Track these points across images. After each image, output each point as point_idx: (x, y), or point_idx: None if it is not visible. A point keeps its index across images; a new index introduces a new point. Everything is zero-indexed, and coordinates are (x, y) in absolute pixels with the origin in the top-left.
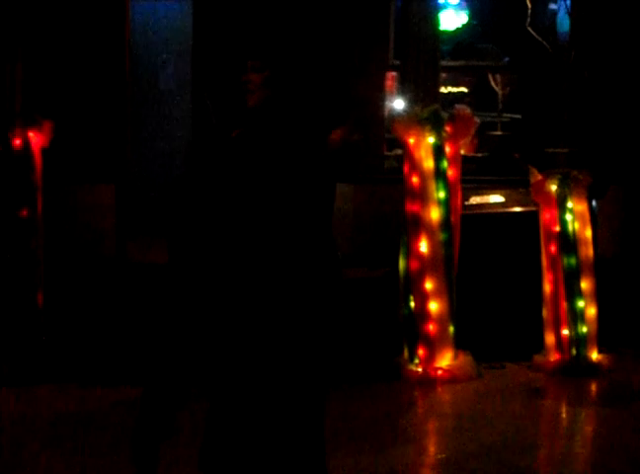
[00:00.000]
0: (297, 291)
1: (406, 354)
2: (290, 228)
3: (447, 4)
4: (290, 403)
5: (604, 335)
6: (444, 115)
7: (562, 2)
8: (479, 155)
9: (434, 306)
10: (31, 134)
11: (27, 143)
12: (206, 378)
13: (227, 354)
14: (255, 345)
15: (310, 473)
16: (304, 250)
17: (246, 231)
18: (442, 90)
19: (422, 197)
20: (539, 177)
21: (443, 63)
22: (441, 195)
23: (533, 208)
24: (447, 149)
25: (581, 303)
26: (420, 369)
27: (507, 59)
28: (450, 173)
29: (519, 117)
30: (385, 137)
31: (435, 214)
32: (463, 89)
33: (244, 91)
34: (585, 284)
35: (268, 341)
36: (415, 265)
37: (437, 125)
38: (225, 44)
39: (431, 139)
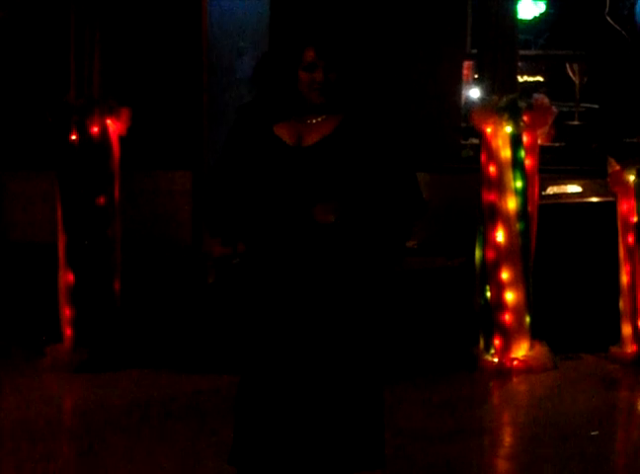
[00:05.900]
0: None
1: (482, 344)
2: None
3: None
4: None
5: None
6: (522, 104)
7: None
8: (556, 145)
9: (510, 296)
10: (108, 122)
11: (105, 131)
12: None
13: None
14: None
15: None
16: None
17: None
18: (519, 79)
19: (499, 186)
20: (617, 167)
21: (521, 52)
22: (519, 184)
23: (611, 199)
24: (525, 139)
25: None
26: (496, 360)
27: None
28: (528, 162)
29: (596, 106)
30: (462, 126)
31: (512, 204)
32: (539, 78)
33: (312, 87)
34: None
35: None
36: (491, 254)
37: (514, 115)
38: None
39: (508, 129)
